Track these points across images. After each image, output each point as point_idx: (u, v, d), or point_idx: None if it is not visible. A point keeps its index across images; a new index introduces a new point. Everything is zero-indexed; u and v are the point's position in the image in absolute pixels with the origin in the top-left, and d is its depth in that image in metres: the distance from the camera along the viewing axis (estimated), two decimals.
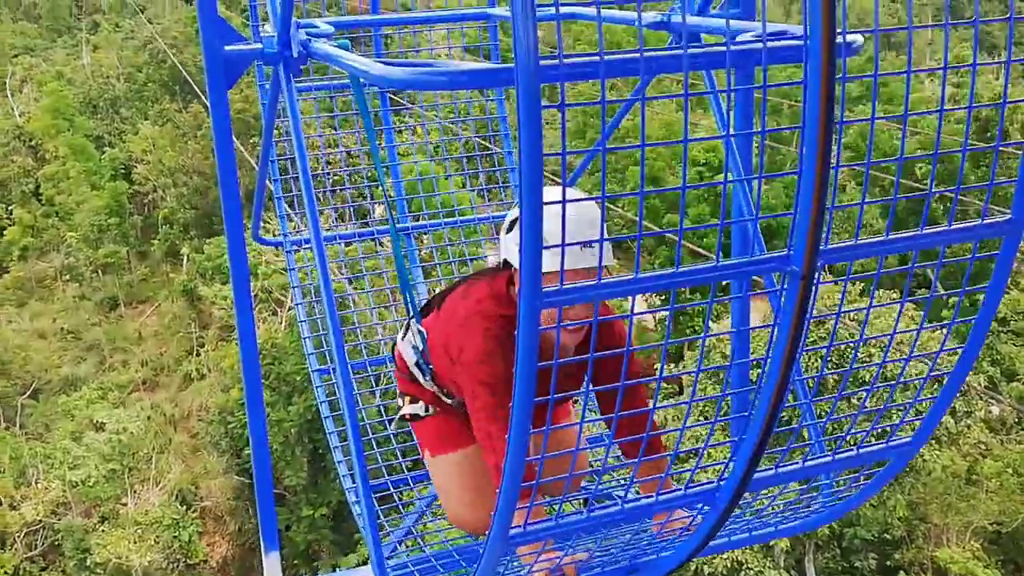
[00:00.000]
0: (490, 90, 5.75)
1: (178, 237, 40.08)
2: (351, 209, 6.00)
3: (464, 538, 4.39)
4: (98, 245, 39.61)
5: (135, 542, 25.32)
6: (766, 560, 19.97)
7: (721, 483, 2.57)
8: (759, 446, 2.35)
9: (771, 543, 19.38)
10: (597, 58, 1.81)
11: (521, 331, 2.02)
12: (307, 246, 5.57)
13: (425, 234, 5.87)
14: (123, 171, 42.90)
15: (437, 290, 5.69)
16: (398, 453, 4.98)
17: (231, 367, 28.27)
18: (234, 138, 4.03)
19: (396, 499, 4.72)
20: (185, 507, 27.50)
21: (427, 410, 3.94)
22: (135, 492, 27.49)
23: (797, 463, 2.73)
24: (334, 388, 5.06)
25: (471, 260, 5.74)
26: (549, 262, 2.92)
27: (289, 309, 28.74)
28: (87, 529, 26.29)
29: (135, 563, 24.94)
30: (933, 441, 19.17)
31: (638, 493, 2.86)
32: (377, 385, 5.42)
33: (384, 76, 2.37)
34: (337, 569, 24.61)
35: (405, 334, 3.95)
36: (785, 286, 2.13)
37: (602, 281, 2.04)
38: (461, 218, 5.79)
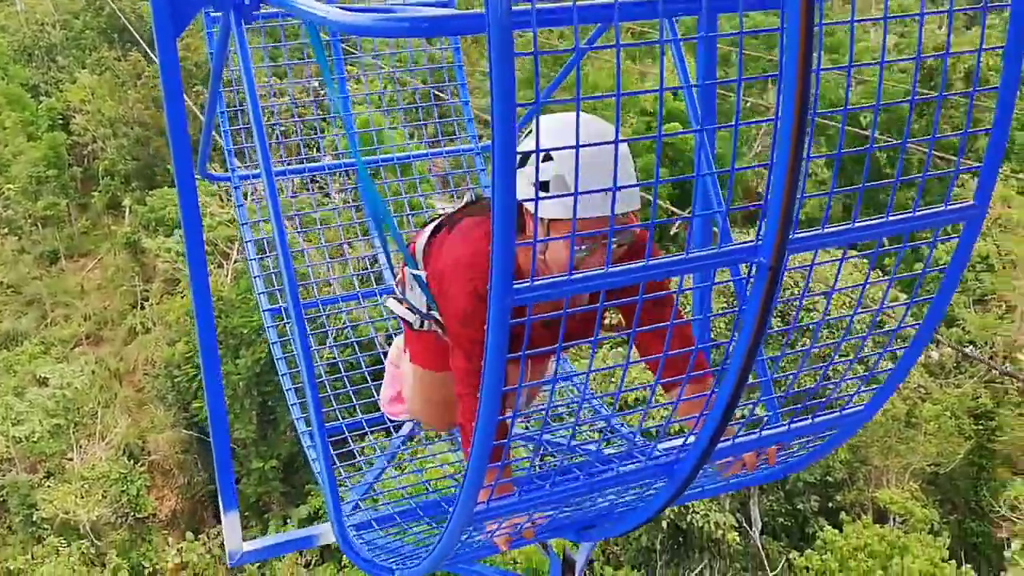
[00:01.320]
0: (445, 39, 5.62)
1: (119, 189, 39.27)
2: (299, 160, 5.88)
3: (420, 485, 4.39)
4: (37, 197, 38.69)
5: (82, 497, 25.10)
6: (712, 503, 20.38)
7: (681, 456, 2.60)
8: (720, 425, 2.36)
9: None
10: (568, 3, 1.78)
11: (491, 327, 1.94)
12: (255, 180, 5.44)
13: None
14: (61, 121, 41.81)
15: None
16: (352, 396, 4.91)
17: (176, 320, 27.97)
18: None
19: (351, 443, 4.66)
20: (132, 461, 27.29)
21: (421, 325, 3.68)
22: (81, 447, 27.20)
23: (755, 434, 2.77)
24: (286, 330, 4.97)
25: (415, 199, 5.68)
26: (562, 209, 2.74)
27: (235, 262, 28.42)
28: (32, 485, 25.99)
29: (83, 518, 24.76)
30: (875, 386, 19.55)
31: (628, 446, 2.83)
32: (330, 325, 5.35)
33: (345, 23, 2.30)
34: (288, 520, 24.66)
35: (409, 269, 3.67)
36: (752, 275, 2.12)
37: (572, 276, 2.00)
38: (397, 154, 5.71)
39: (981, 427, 23.88)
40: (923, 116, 27.85)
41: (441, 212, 3.81)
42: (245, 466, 25.66)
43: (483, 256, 3.02)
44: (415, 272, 3.51)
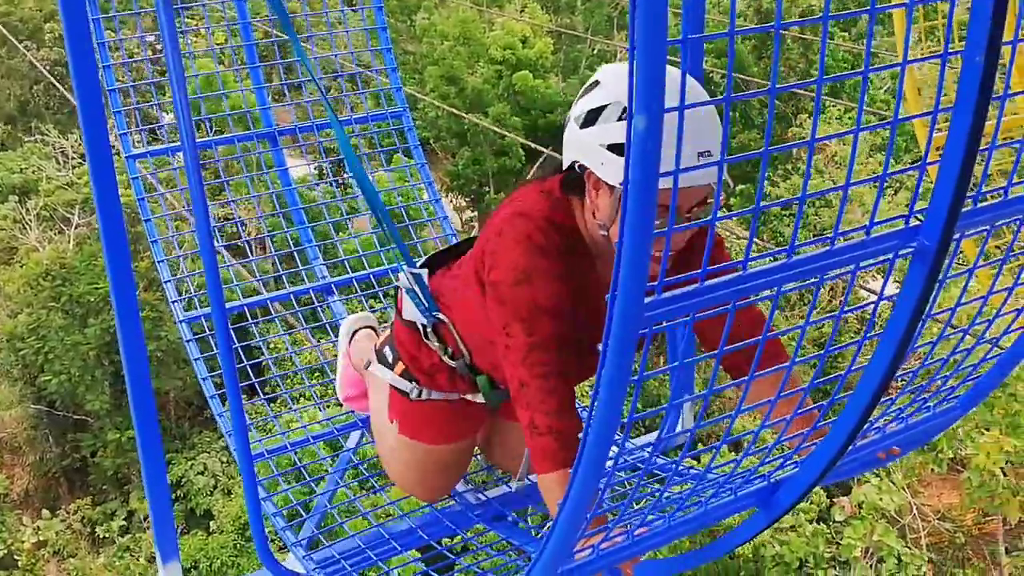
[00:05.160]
0: None
1: None
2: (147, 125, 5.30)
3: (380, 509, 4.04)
4: None
5: None
6: None
7: (778, 478, 2.17)
8: (838, 454, 1.96)
9: None
10: None
11: (607, 363, 1.48)
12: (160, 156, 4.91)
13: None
14: None
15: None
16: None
17: (17, 291, 26.62)
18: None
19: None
20: None
21: (418, 394, 3.18)
22: None
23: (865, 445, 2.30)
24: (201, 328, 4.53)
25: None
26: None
27: (76, 227, 27.22)
28: None
29: None
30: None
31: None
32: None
33: None
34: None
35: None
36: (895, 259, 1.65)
37: (705, 284, 1.52)
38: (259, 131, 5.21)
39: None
40: (761, 59, 28.69)
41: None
42: (101, 438, 24.82)
43: (536, 203, 2.59)
44: (415, 271, 3.01)
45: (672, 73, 1.69)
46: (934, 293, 1.63)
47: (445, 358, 3.05)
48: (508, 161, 29.48)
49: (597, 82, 2.47)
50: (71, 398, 23.63)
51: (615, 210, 2.40)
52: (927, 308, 1.64)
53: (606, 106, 2.40)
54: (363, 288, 4.84)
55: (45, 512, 24.01)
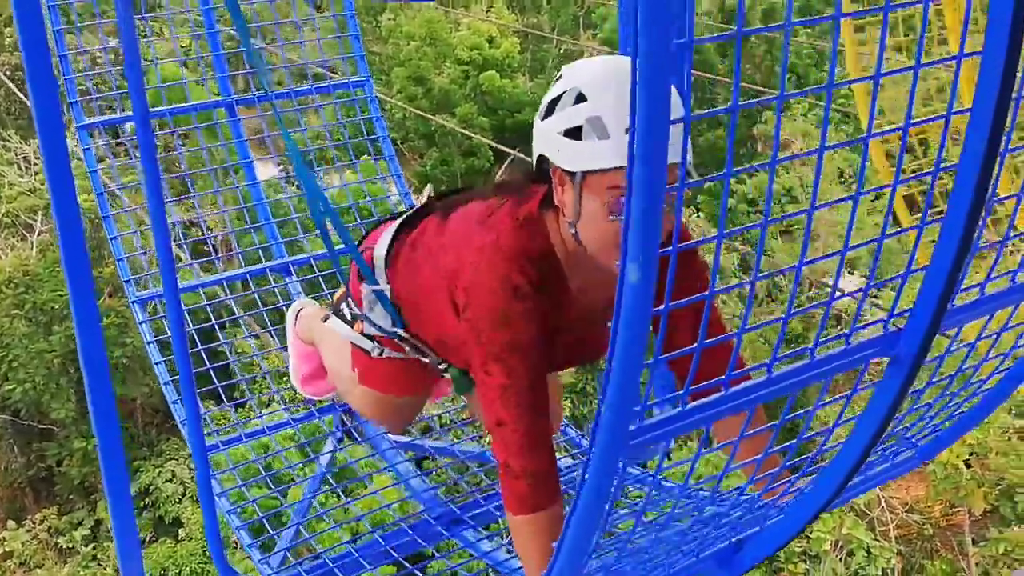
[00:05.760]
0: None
1: None
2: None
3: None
4: None
5: None
6: None
7: (739, 539, 2.19)
8: (801, 528, 1.98)
9: None
10: None
11: (588, 481, 1.49)
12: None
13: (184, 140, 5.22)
14: None
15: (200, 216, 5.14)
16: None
17: None
18: None
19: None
20: None
21: (379, 353, 3.17)
22: None
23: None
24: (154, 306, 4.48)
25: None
26: (601, 156, 2.26)
27: (39, 234, 26.89)
28: None
29: None
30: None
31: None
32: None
33: None
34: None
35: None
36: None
37: (686, 409, 1.49)
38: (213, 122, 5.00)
39: (792, 348, 25.28)
40: (725, 57, 28.81)
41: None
42: (67, 447, 24.55)
43: (512, 236, 2.53)
44: (376, 288, 2.97)
45: (618, 59, 1.65)
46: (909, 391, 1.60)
47: (416, 353, 3.03)
48: (476, 161, 29.45)
49: (560, 76, 2.48)
50: (36, 407, 23.31)
51: (577, 201, 2.36)
52: (900, 404, 1.62)
53: (563, 94, 2.39)
54: (322, 268, 4.74)
55: (11, 523, 23.70)
